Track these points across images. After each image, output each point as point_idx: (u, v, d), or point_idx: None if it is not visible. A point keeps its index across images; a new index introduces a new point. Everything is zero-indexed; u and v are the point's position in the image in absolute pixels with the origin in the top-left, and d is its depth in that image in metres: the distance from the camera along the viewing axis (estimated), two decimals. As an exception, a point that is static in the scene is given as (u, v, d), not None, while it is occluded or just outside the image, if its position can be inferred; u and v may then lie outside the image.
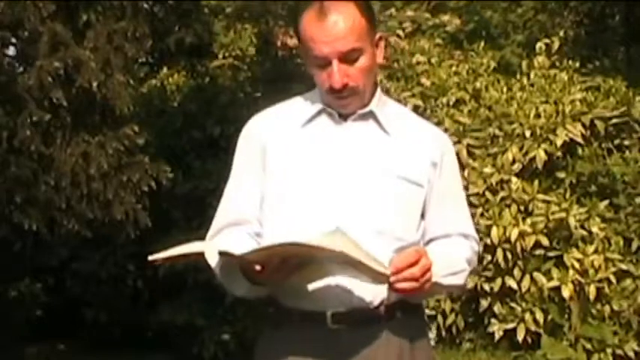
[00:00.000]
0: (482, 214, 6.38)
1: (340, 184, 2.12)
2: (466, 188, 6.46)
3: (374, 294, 2.09)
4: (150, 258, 1.99)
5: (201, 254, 1.95)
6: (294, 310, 2.12)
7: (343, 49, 2.08)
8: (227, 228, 2.21)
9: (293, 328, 2.13)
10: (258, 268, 1.98)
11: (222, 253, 1.93)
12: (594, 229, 6.29)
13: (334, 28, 2.08)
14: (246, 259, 1.94)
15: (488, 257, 6.29)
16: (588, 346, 6.09)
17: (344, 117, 2.19)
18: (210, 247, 1.95)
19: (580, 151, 6.64)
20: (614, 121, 6.71)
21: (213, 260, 2.02)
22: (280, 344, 2.15)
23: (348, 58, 2.09)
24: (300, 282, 2.08)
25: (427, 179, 2.18)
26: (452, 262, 2.17)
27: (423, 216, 2.19)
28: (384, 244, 2.09)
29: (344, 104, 2.15)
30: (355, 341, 2.09)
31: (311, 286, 2.07)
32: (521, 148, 6.59)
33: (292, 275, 2.02)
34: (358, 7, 2.11)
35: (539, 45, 7.67)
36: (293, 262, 1.98)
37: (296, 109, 2.24)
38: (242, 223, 2.20)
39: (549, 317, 6.20)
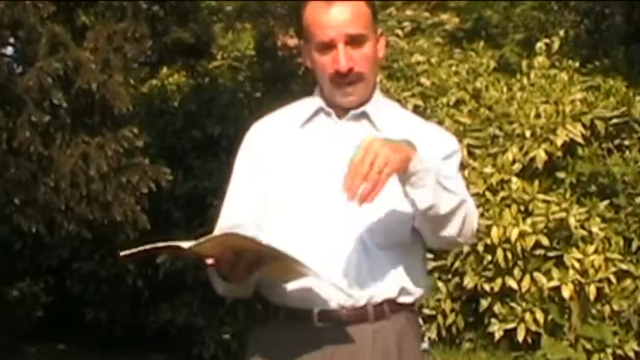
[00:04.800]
0: (482, 214, 6.37)
1: (332, 185, 2.10)
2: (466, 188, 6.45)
3: (361, 293, 2.09)
4: (121, 254, 1.99)
5: (174, 248, 1.94)
6: (281, 307, 2.14)
7: (351, 32, 2.11)
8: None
9: (280, 325, 2.14)
10: (210, 261, 1.99)
11: (171, 247, 1.93)
12: (594, 229, 6.29)
13: (342, 12, 2.11)
14: (194, 251, 1.93)
15: (489, 257, 6.29)
16: (588, 346, 6.08)
17: (340, 116, 2.18)
18: (186, 242, 1.94)
19: (580, 151, 6.63)
20: (614, 121, 6.70)
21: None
22: (268, 341, 2.16)
23: (354, 42, 2.12)
24: (275, 280, 2.09)
25: None
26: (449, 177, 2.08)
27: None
28: (375, 242, 2.10)
29: (348, 92, 2.15)
30: (341, 340, 2.09)
31: (297, 284, 2.07)
32: (521, 148, 6.58)
33: (257, 271, 2.03)
34: None
35: (539, 45, 7.66)
36: (248, 257, 1.98)
37: (295, 111, 2.25)
38: (239, 227, 2.19)
39: (549, 317, 6.19)
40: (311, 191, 2.14)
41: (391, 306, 2.13)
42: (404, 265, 2.14)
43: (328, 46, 2.12)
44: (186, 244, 1.90)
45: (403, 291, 2.15)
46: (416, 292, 2.18)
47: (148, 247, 1.95)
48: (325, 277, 2.03)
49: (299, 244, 2.08)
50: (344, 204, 2.04)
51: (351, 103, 2.17)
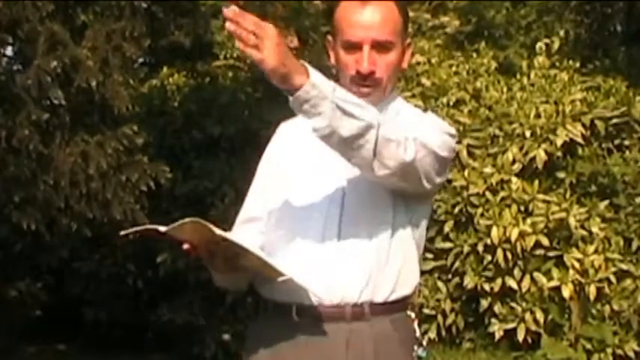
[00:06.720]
0: (482, 214, 6.38)
1: (329, 189, 2.14)
2: (466, 188, 6.48)
3: (342, 291, 2.09)
4: (121, 233, 2.14)
5: (154, 231, 2.03)
6: (268, 300, 2.16)
7: (378, 37, 2.12)
8: (240, 225, 2.29)
9: (267, 320, 2.16)
10: (186, 246, 2.05)
11: (151, 230, 2.03)
12: (594, 229, 6.28)
13: (374, 15, 2.13)
14: (169, 234, 2.01)
15: (489, 257, 6.28)
16: (588, 346, 6.08)
17: None
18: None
19: (580, 151, 6.64)
20: (614, 121, 6.71)
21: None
22: (256, 333, 2.19)
23: (380, 47, 2.12)
24: (264, 278, 2.12)
25: None
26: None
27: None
28: (359, 244, 2.10)
29: (364, 93, 2.13)
30: (316, 336, 2.09)
31: (282, 278, 2.07)
32: (521, 148, 6.58)
33: (237, 264, 2.07)
34: (397, 6, 2.17)
35: (539, 45, 7.67)
36: (223, 245, 2.03)
37: None
38: (253, 220, 2.27)
39: (549, 317, 6.19)
40: (309, 196, 2.16)
41: (372, 308, 2.11)
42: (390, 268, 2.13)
43: (354, 46, 2.13)
44: (163, 228, 2.00)
45: (389, 294, 2.13)
46: (402, 296, 2.15)
47: (140, 228, 2.10)
48: (293, 277, 2.04)
49: (288, 242, 2.14)
50: (334, 206, 2.08)
51: (366, 100, 2.12)
